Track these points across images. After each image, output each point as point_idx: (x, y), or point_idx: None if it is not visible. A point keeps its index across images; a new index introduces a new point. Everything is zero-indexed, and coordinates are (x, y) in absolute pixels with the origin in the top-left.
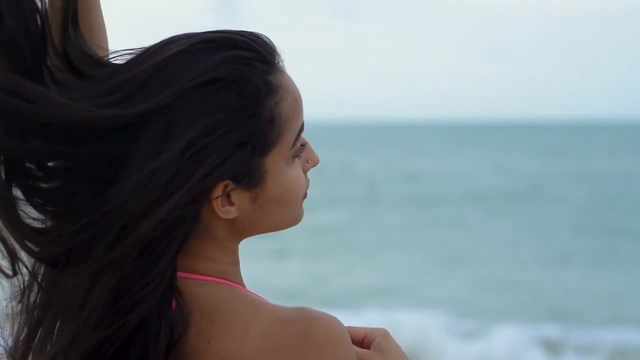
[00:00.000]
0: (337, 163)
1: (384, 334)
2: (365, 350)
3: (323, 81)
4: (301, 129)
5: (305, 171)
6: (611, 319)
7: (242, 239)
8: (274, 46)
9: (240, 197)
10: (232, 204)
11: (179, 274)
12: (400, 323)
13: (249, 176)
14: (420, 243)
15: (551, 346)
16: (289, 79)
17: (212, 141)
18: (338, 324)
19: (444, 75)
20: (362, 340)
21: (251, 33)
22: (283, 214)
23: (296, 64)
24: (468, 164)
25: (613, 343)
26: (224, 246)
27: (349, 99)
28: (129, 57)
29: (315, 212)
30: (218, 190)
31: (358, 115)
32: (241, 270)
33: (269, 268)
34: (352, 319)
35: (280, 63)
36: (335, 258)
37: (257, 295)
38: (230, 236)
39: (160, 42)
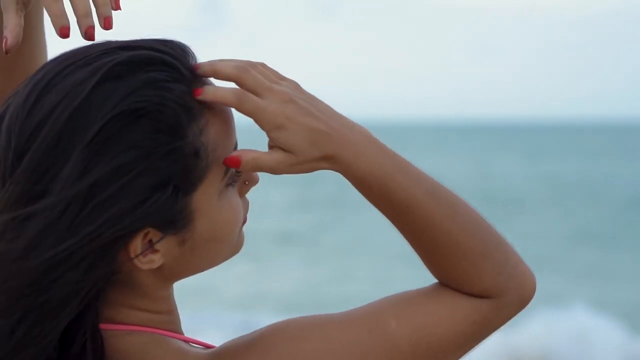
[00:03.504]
0: None
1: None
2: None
3: (307, 81)
4: None
5: (242, 194)
6: None
7: (174, 282)
8: (195, 56)
9: (164, 243)
10: (155, 251)
11: (100, 325)
12: None
13: (173, 221)
14: (395, 246)
15: None
16: None
17: (121, 187)
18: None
19: (432, 75)
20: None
21: (165, 44)
22: (220, 250)
23: (281, 64)
24: (452, 165)
25: None
26: (152, 295)
27: (335, 98)
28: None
29: (289, 216)
30: (136, 240)
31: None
32: (179, 316)
33: (237, 274)
34: None
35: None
36: (307, 264)
37: (198, 342)
38: (158, 284)
39: (50, 79)
